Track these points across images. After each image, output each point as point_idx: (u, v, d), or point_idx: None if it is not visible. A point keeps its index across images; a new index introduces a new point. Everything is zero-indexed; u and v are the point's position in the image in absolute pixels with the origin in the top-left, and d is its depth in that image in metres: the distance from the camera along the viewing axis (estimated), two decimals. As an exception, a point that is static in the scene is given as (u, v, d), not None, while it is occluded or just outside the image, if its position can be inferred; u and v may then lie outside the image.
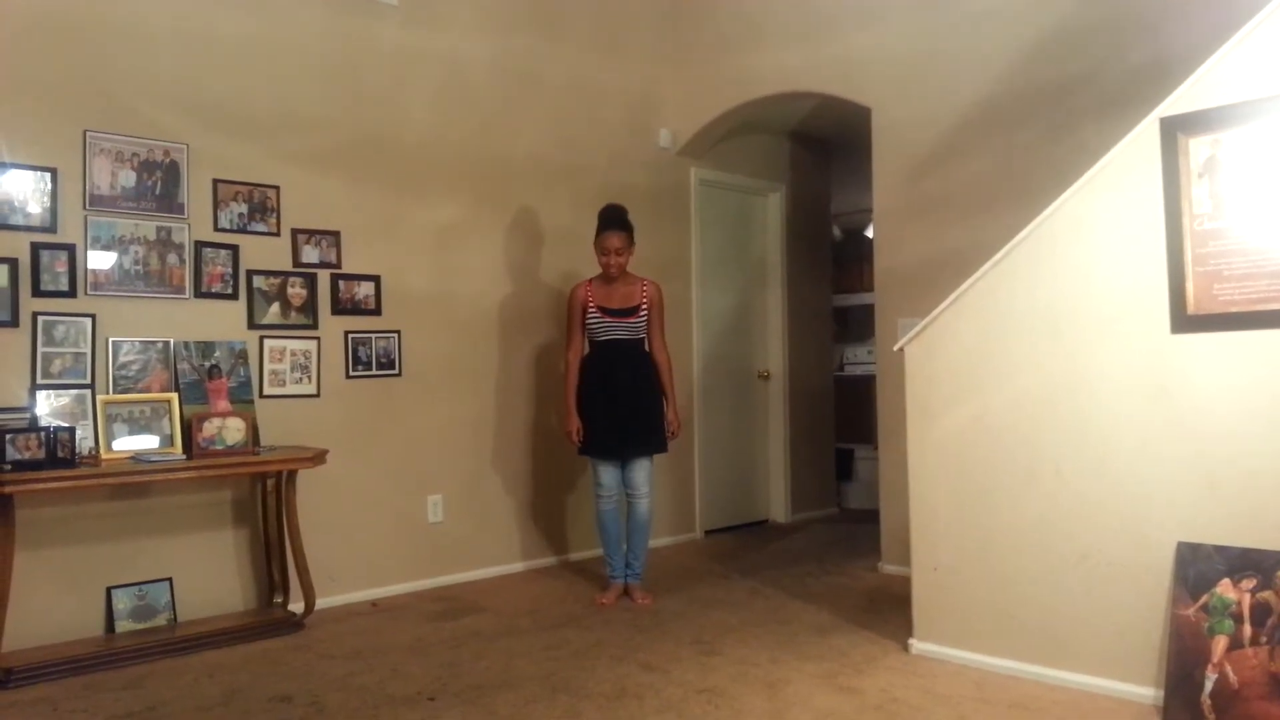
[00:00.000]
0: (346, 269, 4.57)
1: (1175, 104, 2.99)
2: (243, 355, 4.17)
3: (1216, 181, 2.91)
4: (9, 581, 3.39)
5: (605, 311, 4.46)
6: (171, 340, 4.02)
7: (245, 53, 4.28)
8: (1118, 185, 3.11)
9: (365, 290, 4.63)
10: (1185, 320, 2.97)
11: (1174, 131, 2.98)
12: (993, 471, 3.40)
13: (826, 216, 7.32)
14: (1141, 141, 3.05)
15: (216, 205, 4.19)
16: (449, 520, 4.90)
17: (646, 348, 4.55)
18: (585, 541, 5.31)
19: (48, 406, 3.70)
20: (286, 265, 4.39)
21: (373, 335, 4.65)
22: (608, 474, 4.50)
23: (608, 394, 4.43)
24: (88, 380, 3.80)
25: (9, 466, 3.35)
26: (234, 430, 3.91)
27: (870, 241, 5.75)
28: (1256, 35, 2.85)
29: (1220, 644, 2.82)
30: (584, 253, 4.86)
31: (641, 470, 4.51)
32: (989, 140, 4.62)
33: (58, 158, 3.78)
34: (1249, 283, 2.85)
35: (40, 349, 3.71)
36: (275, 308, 4.34)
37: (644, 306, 4.50)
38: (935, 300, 3.63)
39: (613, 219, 4.47)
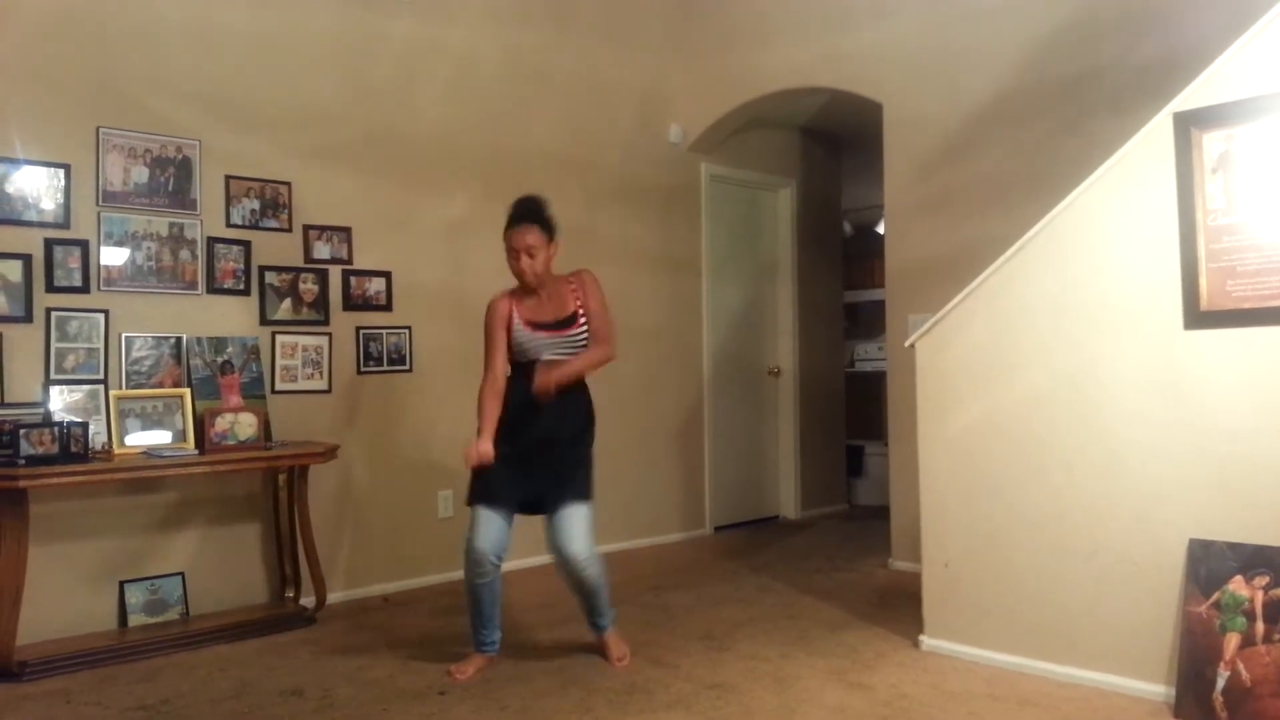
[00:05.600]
0: (358, 265, 4.58)
1: (1189, 99, 2.97)
2: (255, 351, 4.19)
3: (1230, 176, 2.89)
4: (23, 576, 3.41)
5: (537, 327, 3.45)
6: (184, 336, 4.04)
7: (257, 48, 4.30)
8: (1131, 180, 3.10)
9: (376, 286, 4.65)
10: (1198, 316, 2.95)
11: (1187, 126, 2.96)
12: (1004, 468, 3.39)
13: (837, 212, 7.31)
14: (1155, 136, 3.03)
15: (229, 201, 4.20)
16: (460, 515, 4.89)
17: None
18: (601, 535, 5.29)
19: (61, 402, 3.72)
20: (298, 261, 4.41)
21: (384, 331, 4.66)
22: (489, 534, 3.33)
23: (529, 431, 3.40)
24: (101, 375, 3.83)
25: (23, 461, 3.37)
26: (246, 425, 3.92)
27: (881, 237, 5.73)
28: (1271, 29, 2.83)
29: (1232, 641, 2.81)
30: (593, 248, 4.86)
31: (578, 521, 3.36)
32: (1001, 135, 4.60)
33: (71, 154, 3.80)
34: (1263, 279, 2.83)
35: (54, 344, 3.74)
36: (287, 303, 4.36)
37: (581, 313, 3.48)
38: (946, 296, 3.62)
39: (523, 211, 3.47)
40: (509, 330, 3.48)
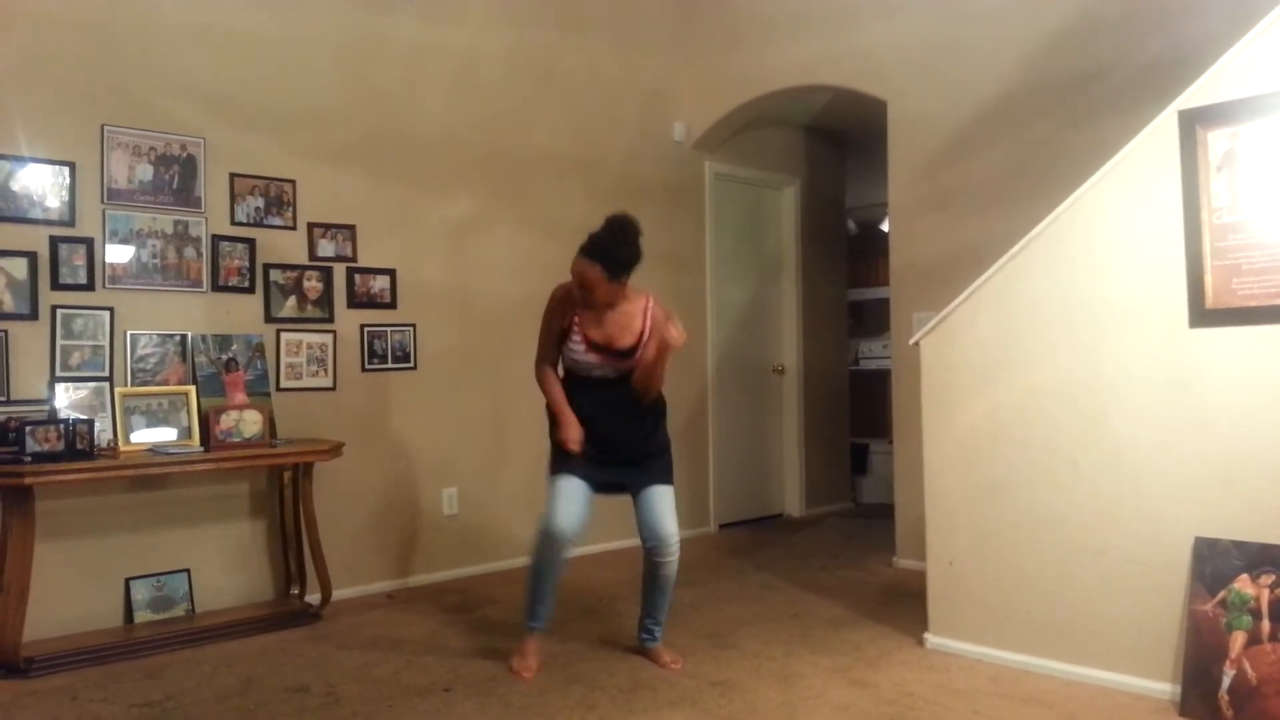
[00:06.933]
0: (362, 263, 4.59)
1: (1194, 96, 2.96)
2: (259, 348, 4.19)
3: (1235, 174, 2.89)
4: (29, 572, 3.42)
5: (592, 347, 3.35)
6: (189, 333, 4.04)
7: (262, 47, 4.30)
8: (1135, 178, 3.09)
9: (381, 284, 4.65)
10: (1203, 314, 2.95)
11: (1192, 124, 2.96)
12: (1009, 466, 3.39)
13: (841, 210, 7.30)
14: (1160, 134, 3.03)
15: (233, 199, 4.21)
16: (464, 513, 4.92)
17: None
18: (602, 534, 5.30)
19: (67, 399, 3.73)
20: (303, 259, 4.41)
21: (388, 328, 4.67)
22: (571, 511, 3.28)
23: (601, 415, 3.39)
24: (106, 373, 3.83)
25: (29, 458, 3.38)
26: (251, 423, 3.93)
27: (885, 235, 5.74)
28: (1276, 26, 2.83)
29: (1238, 640, 2.81)
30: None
31: (667, 503, 3.38)
32: (1006, 133, 4.59)
33: (76, 152, 3.81)
34: (1268, 276, 2.83)
35: (59, 342, 3.74)
36: (291, 301, 4.36)
37: (643, 345, 3.37)
38: (951, 294, 3.61)
39: (590, 245, 3.28)
40: (567, 331, 3.38)
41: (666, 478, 3.44)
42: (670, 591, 3.48)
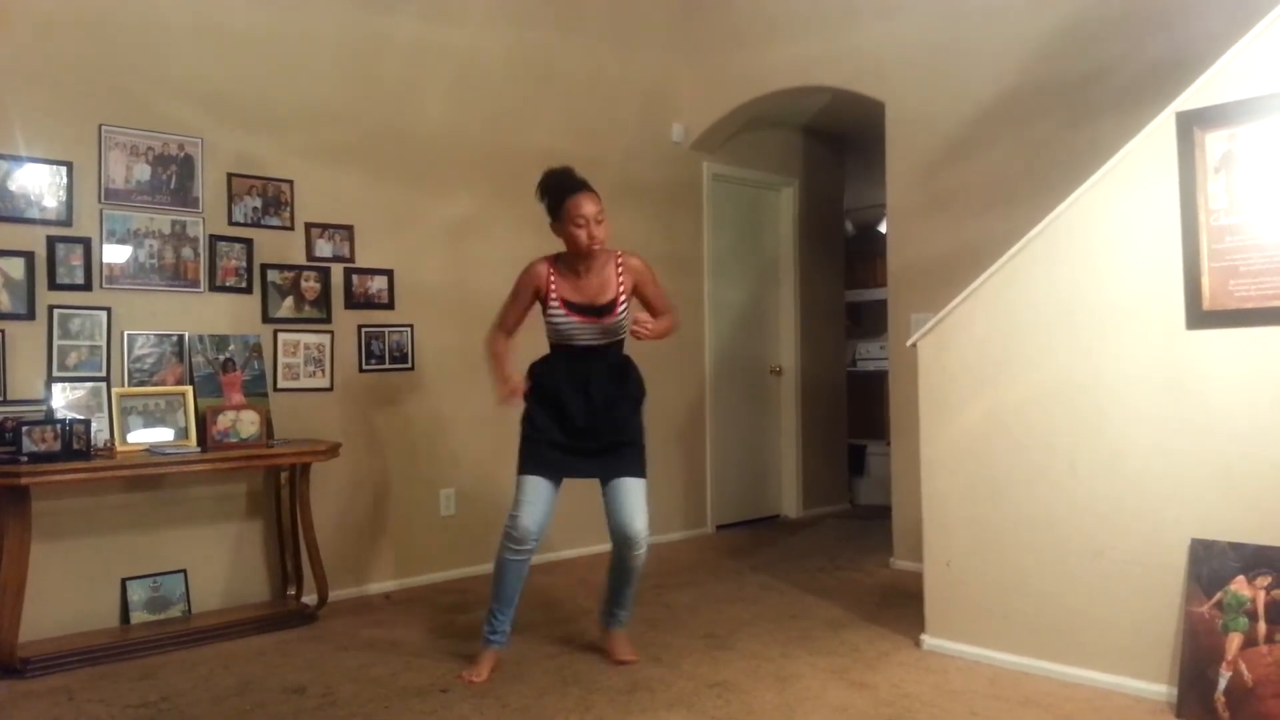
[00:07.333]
0: (360, 263, 4.59)
1: (1192, 98, 2.96)
2: (257, 349, 4.19)
3: (1233, 176, 2.89)
4: (25, 572, 3.41)
5: (572, 309, 3.30)
6: (186, 333, 4.04)
7: (260, 47, 4.30)
8: (1133, 180, 3.09)
9: (378, 284, 4.65)
10: (1200, 316, 2.95)
11: (1190, 126, 2.96)
12: (1006, 467, 3.39)
13: (839, 211, 7.31)
14: (1158, 136, 3.03)
15: (231, 199, 4.20)
16: (461, 513, 4.91)
17: (626, 348, 3.47)
18: (598, 536, 5.30)
19: (64, 399, 3.73)
20: (300, 259, 4.41)
21: (386, 329, 4.66)
22: (534, 510, 3.26)
23: (574, 398, 3.31)
24: (103, 373, 3.83)
25: (25, 458, 3.37)
26: (248, 423, 3.93)
27: (883, 237, 5.74)
28: (1275, 29, 2.83)
29: (1234, 641, 2.81)
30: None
31: (636, 496, 3.30)
32: (1004, 134, 4.59)
33: (73, 152, 3.81)
34: (1265, 278, 2.83)
35: (56, 342, 3.74)
36: (289, 301, 4.36)
37: (622, 299, 3.35)
38: (949, 295, 3.61)
39: (579, 180, 3.36)
40: (544, 302, 3.34)
41: (639, 470, 3.35)
42: (636, 581, 3.47)
